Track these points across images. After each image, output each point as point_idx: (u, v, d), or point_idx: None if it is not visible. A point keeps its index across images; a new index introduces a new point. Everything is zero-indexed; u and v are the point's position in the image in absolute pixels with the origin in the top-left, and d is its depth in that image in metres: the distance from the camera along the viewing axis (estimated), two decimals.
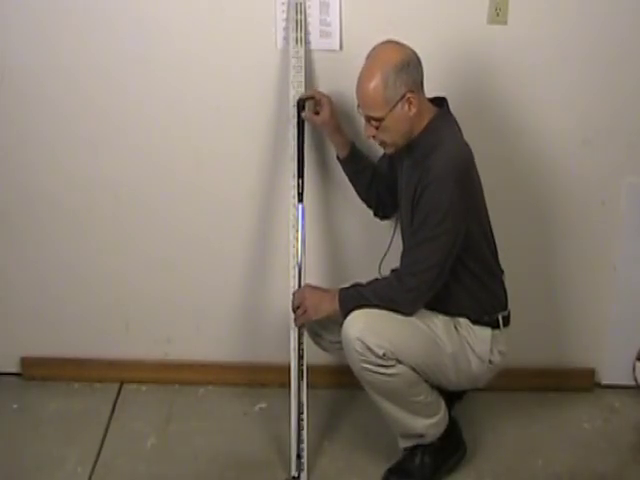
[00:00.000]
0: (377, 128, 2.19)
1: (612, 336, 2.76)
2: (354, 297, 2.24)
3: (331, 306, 2.27)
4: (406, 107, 2.15)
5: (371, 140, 2.25)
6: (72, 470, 2.47)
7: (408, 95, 2.14)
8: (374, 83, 2.13)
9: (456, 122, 2.27)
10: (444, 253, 2.17)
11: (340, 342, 2.25)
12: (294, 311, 2.36)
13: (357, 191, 2.50)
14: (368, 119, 2.19)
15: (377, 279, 2.30)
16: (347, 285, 2.29)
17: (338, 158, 2.47)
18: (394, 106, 2.15)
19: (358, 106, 2.21)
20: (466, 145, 2.22)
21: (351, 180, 2.49)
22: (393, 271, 2.31)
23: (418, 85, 2.17)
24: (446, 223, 2.14)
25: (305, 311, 2.31)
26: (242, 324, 2.79)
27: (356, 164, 2.46)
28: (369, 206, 2.52)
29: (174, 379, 2.83)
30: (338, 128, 2.43)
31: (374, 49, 2.18)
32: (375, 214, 2.54)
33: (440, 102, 2.26)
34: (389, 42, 2.18)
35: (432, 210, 2.14)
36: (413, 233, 2.22)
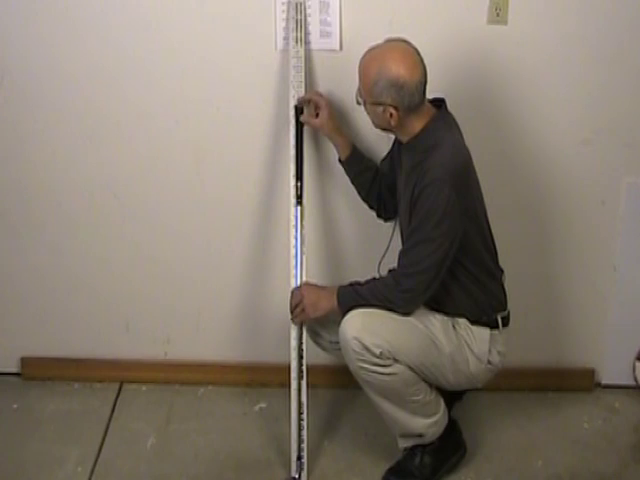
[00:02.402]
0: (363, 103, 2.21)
1: (612, 336, 2.76)
2: (352, 295, 2.25)
3: (329, 304, 2.27)
4: (387, 114, 2.15)
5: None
6: (72, 470, 2.47)
7: (390, 110, 2.14)
8: (370, 74, 2.12)
9: (456, 123, 2.27)
10: (441, 255, 2.16)
11: (339, 342, 2.25)
12: (292, 310, 2.36)
13: (359, 192, 2.50)
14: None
15: (375, 278, 2.30)
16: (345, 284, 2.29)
17: (340, 160, 2.47)
18: (376, 104, 2.15)
19: None
20: (464, 147, 2.22)
21: (353, 181, 2.48)
22: (390, 271, 2.30)
23: (407, 108, 2.13)
24: (443, 225, 2.14)
25: (303, 309, 2.31)
26: (242, 324, 2.79)
27: (357, 166, 2.45)
28: (371, 207, 2.52)
29: (174, 379, 2.83)
30: (337, 129, 2.42)
31: (397, 43, 2.14)
32: (378, 215, 2.53)
33: (439, 103, 2.25)
34: (411, 52, 2.12)
35: (429, 212, 2.14)
36: (410, 234, 2.21)
